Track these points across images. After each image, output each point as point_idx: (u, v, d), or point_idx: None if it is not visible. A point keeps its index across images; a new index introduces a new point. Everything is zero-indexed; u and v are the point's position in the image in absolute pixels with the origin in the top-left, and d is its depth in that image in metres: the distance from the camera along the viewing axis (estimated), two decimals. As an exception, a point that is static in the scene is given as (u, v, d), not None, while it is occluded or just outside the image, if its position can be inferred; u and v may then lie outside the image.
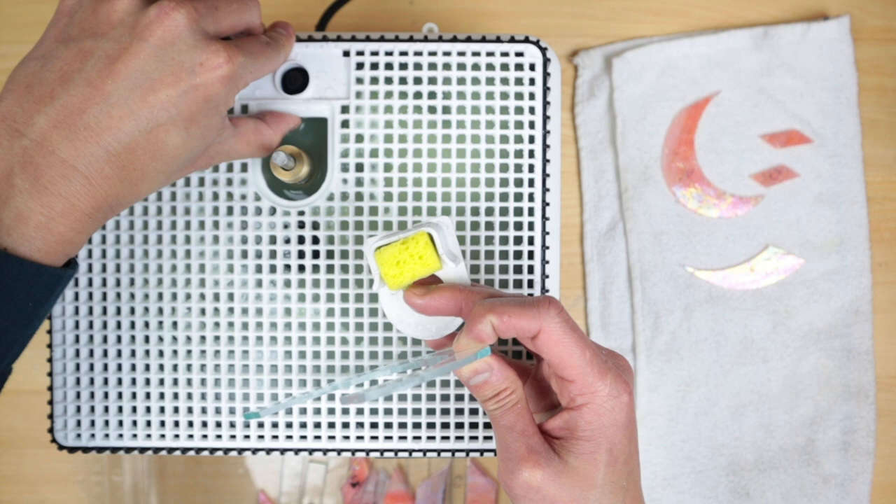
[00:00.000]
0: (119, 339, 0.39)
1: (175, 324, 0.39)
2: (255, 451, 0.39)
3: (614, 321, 0.56)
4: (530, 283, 0.39)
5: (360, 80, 0.39)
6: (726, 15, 0.56)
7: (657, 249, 0.55)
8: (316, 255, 0.39)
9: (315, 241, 0.39)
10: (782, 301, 0.55)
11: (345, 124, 0.39)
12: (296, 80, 0.39)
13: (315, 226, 0.39)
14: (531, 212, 0.39)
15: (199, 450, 0.39)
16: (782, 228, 0.55)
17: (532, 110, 0.39)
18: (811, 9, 0.56)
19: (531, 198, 0.39)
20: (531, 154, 0.39)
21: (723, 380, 0.55)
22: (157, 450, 0.39)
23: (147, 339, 0.39)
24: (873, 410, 0.55)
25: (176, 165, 0.31)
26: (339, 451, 0.39)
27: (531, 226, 0.39)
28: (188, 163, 0.33)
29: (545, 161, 0.38)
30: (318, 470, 0.56)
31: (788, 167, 0.55)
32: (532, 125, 0.39)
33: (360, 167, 0.39)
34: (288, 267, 0.39)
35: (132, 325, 0.39)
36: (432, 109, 0.39)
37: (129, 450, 0.39)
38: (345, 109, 0.39)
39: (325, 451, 0.39)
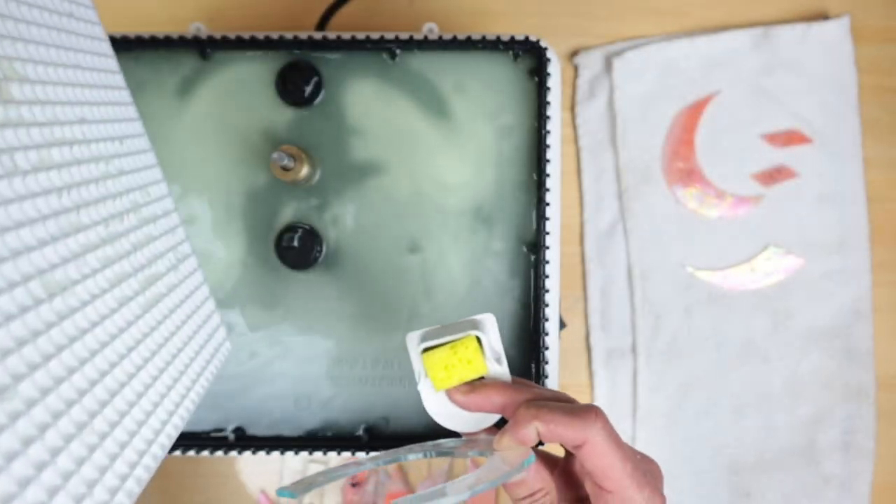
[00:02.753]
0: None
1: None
2: (254, 450, 0.39)
3: (614, 321, 0.56)
4: (536, 286, 0.39)
5: None
6: (726, 15, 0.56)
7: (657, 249, 0.55)
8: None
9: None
10: (783, 301, 0.55)
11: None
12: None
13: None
14: (531, 211, 0.39)
15: (198, 449, 0.39)
16: (783, 228, 0.55)
17: (531, 110, 0.39)
18: (811, 8, 0.55)
19: (532, 197, 0.39)
20: (531, 154, 0.39)
21: (723, 380, 0.55)
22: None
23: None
24: (874, 411, 0.55)
25: None
26: (339, 451, 0.39)
27: (532, 225, 0.39)
28: None
29: (545, 161, 0.38)
30: (319, 470, 0.56)
31: (789, 167, 0.55)
32: (532, 124, 0.39)
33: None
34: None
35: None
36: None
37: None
38: None
39: (326, 451, 0.39)
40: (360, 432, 0.39)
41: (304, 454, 0.39)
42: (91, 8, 0.33)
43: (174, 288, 0.33)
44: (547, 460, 0.33)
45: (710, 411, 0.55)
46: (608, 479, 0.30)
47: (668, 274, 0.55)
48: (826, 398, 0.55)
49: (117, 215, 0.30)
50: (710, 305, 0.55)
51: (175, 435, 0.30)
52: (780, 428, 0.55)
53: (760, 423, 0.55)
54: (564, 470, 0.35)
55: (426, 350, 0.32)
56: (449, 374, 0.32)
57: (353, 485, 0.55)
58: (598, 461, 0.30)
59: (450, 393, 0.33)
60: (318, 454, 0.39)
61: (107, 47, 0.35)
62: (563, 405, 0.31)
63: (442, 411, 0.34)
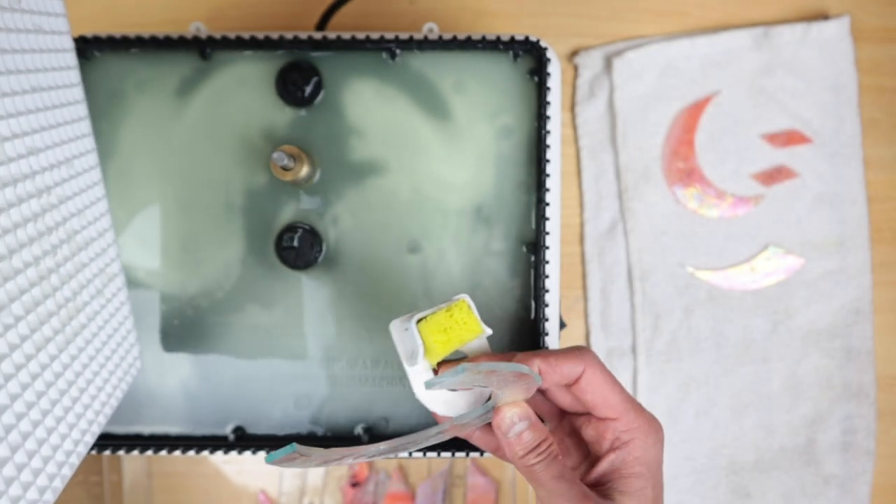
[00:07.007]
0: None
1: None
2: (254, 450, 0.39)
3: (614, 321, 0.56)
4: (536, 286, 0.39)
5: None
6: (726, 15, 0.56)
7: (657, 249, 0.55)
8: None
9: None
10: (783, 301, 0.55)
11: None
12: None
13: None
14: (531, 211, 0.39)
15: (198, 449, 0.39)
16: (783, 228, 0.55)
17: (531, 110, 0.39)
18: (811, 8, 0.55)
19: (531, 197, 0.39)
20: (531, 154, 0.39)
21: (723, 380, 0.55)
22: (157, 448, 0.39)
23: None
24: (874, 410, 0.55)
25: None
26: (339, 451, 0.39)
27: (532, 225, 0.39)
28: None
29: (545, 161, 0.38)
30: (318, 470, 0.56)
31: (789, 167, 0.55)
32: (532, 124, 0.39)
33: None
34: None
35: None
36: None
37: (129, 446, 0.39)
38: None
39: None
40: (360, 432, 0.39)
41: (304, 454, 0.39)
42: (61, 16, 0.30)
43: (95, 316, 0.32)
44: None
45: (710, 411, 0.55)
46: (610, 406, 0.31)
47: (668, 274, 0.55)
48: (826, 398, 0.55)
49: (51, 251, 0.28)
50: (710, 305, 0.55)
51: (87, 447, 0.29)
52: (779, 428, 0.55)
53: (760, 422, 0.55)
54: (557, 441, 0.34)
55: (420, 321, 0.32)
56: (448, 337, 0.32)
57: (353, 485, 0.55)
58: (600, 389, 0.31)
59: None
60: (318, 454, 0.39)
61: (71, 58, 0.32)
62: (551, 350, 0.32)
63: (435, 397, 0.33)
